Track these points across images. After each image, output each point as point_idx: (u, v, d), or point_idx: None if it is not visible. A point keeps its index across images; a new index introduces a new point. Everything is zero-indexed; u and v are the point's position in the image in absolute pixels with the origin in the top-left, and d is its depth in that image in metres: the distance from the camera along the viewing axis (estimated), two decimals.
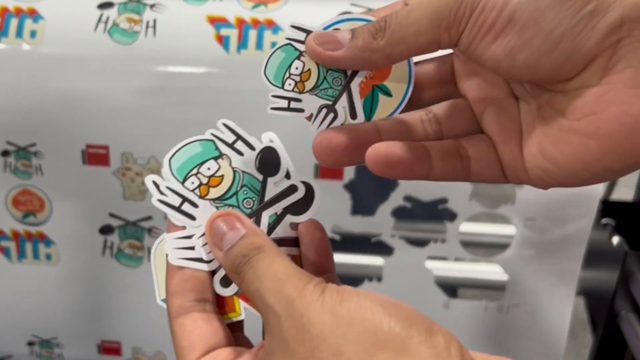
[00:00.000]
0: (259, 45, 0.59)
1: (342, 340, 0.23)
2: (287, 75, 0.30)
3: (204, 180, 0.30)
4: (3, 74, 0.60)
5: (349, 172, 0.62)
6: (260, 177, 0.30)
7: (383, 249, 0.66)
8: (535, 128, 0.28)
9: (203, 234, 0.30)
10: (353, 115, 0.30)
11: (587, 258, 0.64)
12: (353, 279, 0.68)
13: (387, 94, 0.30)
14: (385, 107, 0.31)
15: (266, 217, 0.30)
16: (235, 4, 0.60)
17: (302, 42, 0.30)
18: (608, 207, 0.87)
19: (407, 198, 0.64)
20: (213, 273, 0.30)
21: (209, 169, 0.30)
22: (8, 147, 0.63)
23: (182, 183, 0.30)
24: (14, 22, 0.60)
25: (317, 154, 0.29)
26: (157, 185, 0.30)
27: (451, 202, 0.64)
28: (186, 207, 0.30)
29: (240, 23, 0.59)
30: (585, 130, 0.26)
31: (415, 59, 0.30)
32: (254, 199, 0.30)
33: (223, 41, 0.59)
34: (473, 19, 0.26)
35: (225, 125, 0.30)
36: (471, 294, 0.74)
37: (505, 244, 0.66)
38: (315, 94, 0.30)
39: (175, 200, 0.30)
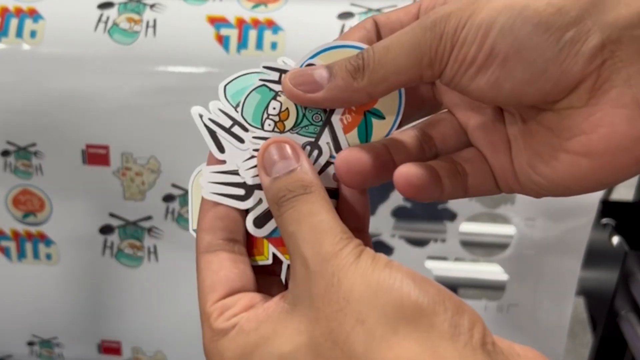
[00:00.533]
0: (259, 45, 0.59)
1: (367, 307, 0.23)
2: (265, 116, 0.30)
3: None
4: (3, 74, 0.60)
5: None
6: None
7: (383, 248, 0.66)
8: (523, 143, 0.29)
9: (250, 158, 0.29)
10: (338, 149, 0.30)
11: (587, 258, 0.64)
12: None
13: (380, 116, 0.30)
14: (380, 130, 0.30)
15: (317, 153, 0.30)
16: (235, 4, 0.60)
17: (277, 82, 0.30)
18: (608, 207, 0.87)
19: (407, 198, 0.64)
20: (246, 213, 0.30)
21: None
22: (8, 147, 0.63)
23: (235, 108, 0.30)
24: (14, 22, 0.60)
25: (343, 175, 0.29)
26: (201, 117, 0.30)
27: (451, 201, 0.64)
28: (236, 129, 0.30)
29: (240, 23, 0.59)
30: (575, 149, 0.26)
31: None
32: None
33: (223, 41, 0.59)
34: (454, 54, 0.26)
35: (266, 67, 0.30)
36: (471, 294, 0.74)
37: (505, 244, 0.66)
38: (297, 132, 0.30)
39: (226, 122, 0.30)
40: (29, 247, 0.67)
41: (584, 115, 0.26)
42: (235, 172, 0.30)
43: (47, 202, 0.65)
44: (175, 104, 0.60)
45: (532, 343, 0.66)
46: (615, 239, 0.80)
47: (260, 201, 0.30)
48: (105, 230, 0.66)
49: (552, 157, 0.27)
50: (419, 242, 0.66)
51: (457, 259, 0.66)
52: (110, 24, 0.60)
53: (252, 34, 0.59)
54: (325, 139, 0.30)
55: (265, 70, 0.30)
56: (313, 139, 0.30)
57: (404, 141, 0.30)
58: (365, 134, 0.30)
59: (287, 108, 0.30)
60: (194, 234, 0.30)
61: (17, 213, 0.66)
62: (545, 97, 0.26)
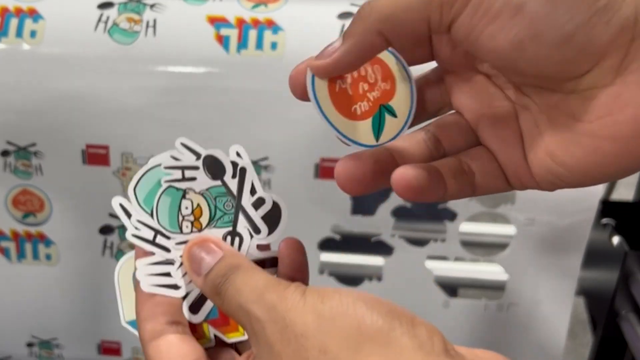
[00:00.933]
0: (259, 45, 0.59)
1: (326, 337, 0.24)
2: (180, 218, 0.31)
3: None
4: (3, 74, 0.60)
5: None
6: (218, 182, 0.32)
7: (383, 248, 0.66)
8: (540, 132, 0.28)
9: (180, 265, 0.31)
10: (256, 230, 0.31)
11: (587, 258, 0.64)
12: (353, 278, 0.68)
13: (393, 114, 0.30)
14: (391, 128, 0.30)
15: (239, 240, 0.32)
16: (235, 4, 0.60)
17: (181, 180, 0.31)
18: (608, 207, 0.87)
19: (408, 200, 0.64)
20: (183, 299, 0.31)
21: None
22: (8, 147, 0.63)
23: (151, 215, 0.31)
24: (14, 22, 0.60)
25: (343, 184, 0.29)
26: (124, 209, 0.31)
27: (451, 201, 0.64)
28: (160, 239, 0.31)
29: (240, 23, 0.59)
30: (599, 132, 0.25)
31: None
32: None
33: (223, 41, 0.59)
34: (473, 4, 0.25)
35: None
36: (471, 294, 0.74)
37: (505, 244, 0.66)
38: (214, 226, 0.31)
39: (149, 234, 0.31)
40: (28, 247, 0.67)
41: (610, 94, 0.25)
42: (166, 262, 0.31)
43: (47, 202, 0.65)
44: (175, 104, 0.60)
45: (532, 342, 0.66)
46: (615, 239, 0.80)
47: (192, 287, 0.31)
48: (105, 230, 0.66)
49: (573, 143, 0.26)
50: (419, 242, 0.66)
51: (457, 259, 0.66)
52: (110, 24, 0.60)
53: (252, 34, 0.59)
54: (242, 224, 0.31)
55: (167, 171, 0.31)
56: (231, 228, 0.31)
57: (410, 146, 0.30)
58: (378, 127, 0.30)
59: (198, 204, 0.31)
60: (128, 327, 0.31)
61: (17, 213, 0.66)
62: (567, 67, 0.25)
